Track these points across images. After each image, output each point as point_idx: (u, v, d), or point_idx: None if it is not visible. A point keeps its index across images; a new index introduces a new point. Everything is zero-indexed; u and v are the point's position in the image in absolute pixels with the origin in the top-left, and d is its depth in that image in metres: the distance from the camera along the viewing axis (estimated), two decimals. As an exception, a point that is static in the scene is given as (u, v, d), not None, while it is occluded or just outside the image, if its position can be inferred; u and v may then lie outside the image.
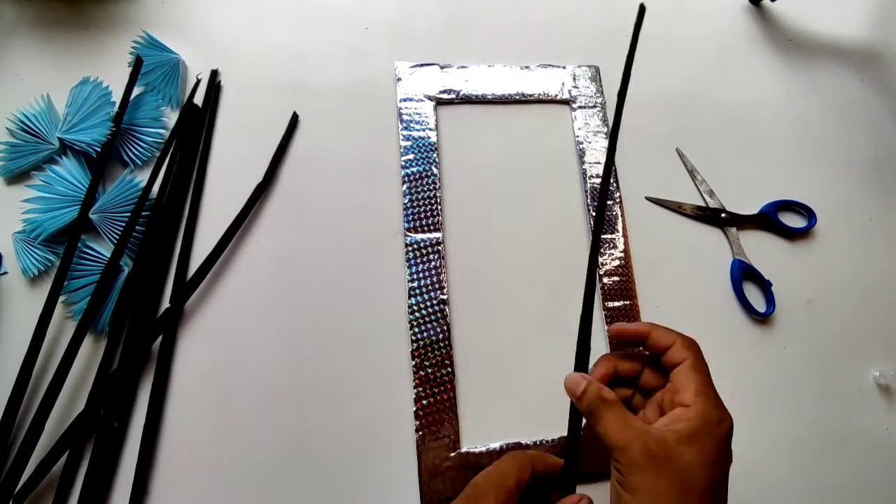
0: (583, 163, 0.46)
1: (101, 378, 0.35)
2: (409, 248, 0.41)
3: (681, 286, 0.43)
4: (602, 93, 0.49)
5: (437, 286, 0.40)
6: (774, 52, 0.54)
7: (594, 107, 0.48)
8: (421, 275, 0.41)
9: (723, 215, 0.46)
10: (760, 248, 0.45)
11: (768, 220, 0.46)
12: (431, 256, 0.41)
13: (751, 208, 0.47)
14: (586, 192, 0.45)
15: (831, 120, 0.52)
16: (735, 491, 0.38)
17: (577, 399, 0.28)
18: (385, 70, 0.47)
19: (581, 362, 0.30)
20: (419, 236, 0.42)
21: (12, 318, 0.37)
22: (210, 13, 0.48)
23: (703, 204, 0.46)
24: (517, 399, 0.38)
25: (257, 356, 0.38)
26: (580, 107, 0.48)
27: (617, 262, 0.43)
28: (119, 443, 0.34)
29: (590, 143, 0.47)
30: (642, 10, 0.32)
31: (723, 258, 0.45)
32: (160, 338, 0.37)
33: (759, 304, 0.43)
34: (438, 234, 0.42)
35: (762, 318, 0.43)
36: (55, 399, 0.33)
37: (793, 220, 0.47)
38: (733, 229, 0.46)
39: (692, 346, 0.28)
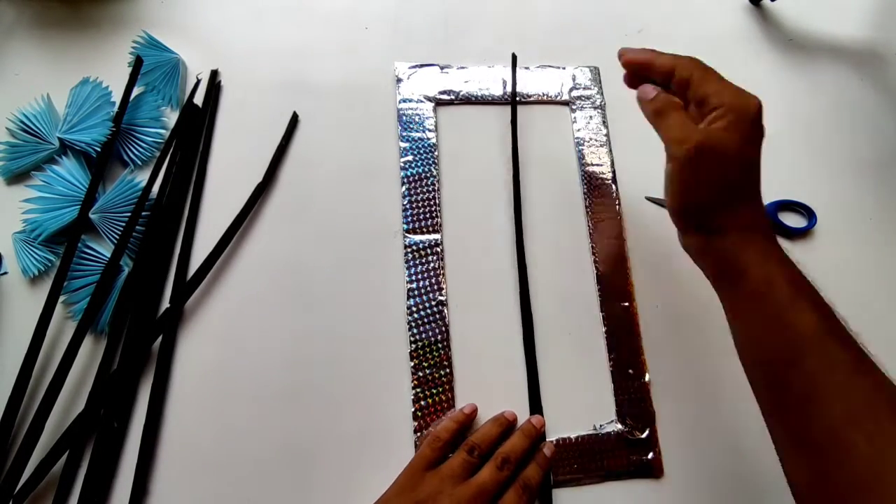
0: (583, 164, 0.46)
1: (101, 378, 0.35)
2: (409, 250, 0.41)
3: (681, 286, 0.43)
4: (602, 94, 0.49)
5: (435, 287, 0.40)
6: (774, 52, 0.54)
7: (594, 108, 0.48)
8: (420, 276, 0.41)
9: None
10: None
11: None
12: (430, 258, 0.41)
13: (751, 208, 0.47)
14: (585, 193, 0.45)
15: (831, 120, 0.52)
16: (740, 488, 0.38)
17: (647, 101, 0.33)
18: (385, 70, 0.47)
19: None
20: (418, 237, 0.42)
21: (12, 318, 0.37)
22: (210, 13, 0.48)
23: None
24: (515, 400, 0.38)
25: (257, 356, 0.38)
26: (580, 108, 0.48)
27: (614, 249, 0.43)
28: (119, 443, 0.34)
29: (589, 144, 0.47)
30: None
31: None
32: (160, 338, 0.37)
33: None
34: (437, 236, 0.42)
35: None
36: (55, 399, 0.33)
37: (793, 220, 0.47)
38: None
39: (692, 62, 0.33)
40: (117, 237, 0.38)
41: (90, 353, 0.36)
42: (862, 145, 0.51)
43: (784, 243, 0.46)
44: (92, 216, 0.38)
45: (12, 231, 0.38)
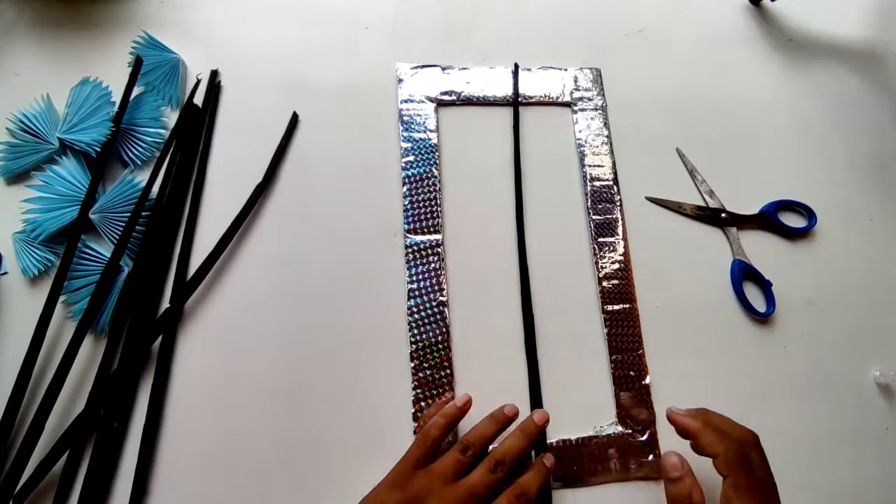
0: (583, 165, 0.46)
1: (101, 378, 0.35)
2: (409, 250, 0.41)
3: (681, 287, 0.43)
4: (603, 95, 0.49)
5: (436, 288, 0.40)
6: (774, 52, 0.54)
7: (595, 109, 0.48)
8: (420, 276, 0.41)
9: (723, 215, 0.46)
10: (760, 248, 0.45)
11: (768, 220, 0.46)
12: (431, 258, 0.41)
13: (751, 208, 0.47)
14: (587, 194, 0.45)
15: (831, 120, 0.52)
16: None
17: (670, 481, 0.32)
18: (385, 70, 0.47)
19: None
20: (419, 238, 0.42)
21: (12, 318, 0.37)
22: (210, 13, 0.48)
23: (703, 204, 0.46)
24: (516, 402, 0.38)
25: (257, 356, 0.38)
26: (581, 109, 0.48)
27: (616, 266, 0.43)
28: (119, 443, 0.34)
29: (591, 145, 0.47)
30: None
31: (723, 258, 0.45)
32: (160, 338, 0.37)
33: (760, 304, 0.43)
34: (438, 236, 0.42)
35: (762, 318, 0.43)
36: (55, 399, 0.33)
37: (793, 220, 0.47)
38: (733, 229, 0.46)
39: (735, 463, 0.30)
40: (117, 237, 0.38)
41: (90, 353, 0.36)
42: (862, 145, 0.51)
43: (784, 243, 0.46)
44: (92, 216, 0.38)
45: (12, 231, 0.38)
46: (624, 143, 0.47)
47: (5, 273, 0.38)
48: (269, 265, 0.40)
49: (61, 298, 0.36)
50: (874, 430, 0.41)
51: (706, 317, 0.43)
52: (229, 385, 0.37)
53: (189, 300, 0.38)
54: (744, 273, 0.44)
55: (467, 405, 0.35)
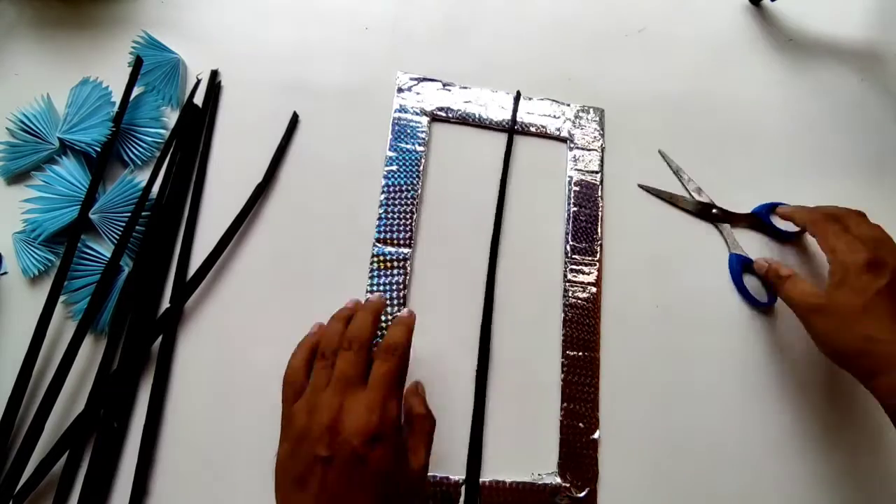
0: (570, 205, 0.44)
1: (101, 378, 0.35)
2: (375, 259, 0.40)
3: (680, 282, 0.43)
4: (603, 136, 0.47)
5: (396, 303, 0.39)
6: (774, 52, 0.54)
7: (593, 150, 0.46)
8: (383, 288, 0.40)
9: (713, 211, 0.46)
10: (760, 248, 0.45)
11: (761, 221, 0.46)
12: (396, 272, 0.40)
13: (750, 208, 0.47)
14: (567, 233, 0.43)
15: (831, 120, 0.52)
16: (734, 485, 0.38)
17: (763, 274, 0.43)
18: (385, 72, 0.47)
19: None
20: (388, 249, 0.41)
21: (12, 318, 0.37)
22: (210, 13, 0.48)
23: (703, 202, 0.46)
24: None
25: (257, 356, 0.38)
26: (578, 147, 0.46)
27: (584, 311, 0.41)
28: (119, 443, 0.34)
29: (581, 185, 0.45)
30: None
31: (721, 254, 0.45)
32: (160, 338, 0.37)
33: (760, 296, 0.44)
34: (407, 250, 0.41)
35: (764, 309, 0.43)
36: (55, 399, 0.33)
37: (788, 223, 0.47)
38: (727, 226, 0.46)
39: (815, 217, 0.40)
40: (117, 237, 0.38)
41: (90, 353, 0.36)
42: (861, 145, 0.51)
43: (781, 245, 0.46)
44: (92, 216, 0.38)
45: (12, 231, 0.38)
46: (623, 142, 0.47)
47: (5, 273, 0.38)
48: (269, 265, 0.40)
49: (61, 298, 0.36)
50: (875, 421, 0.41)
51: (706, 313, 0.43)
52: (229, 385, 0.37)
53: (189, 300, 0.38)
54: (743, 266, 0.44)
55: (314, 328, 0.35)
